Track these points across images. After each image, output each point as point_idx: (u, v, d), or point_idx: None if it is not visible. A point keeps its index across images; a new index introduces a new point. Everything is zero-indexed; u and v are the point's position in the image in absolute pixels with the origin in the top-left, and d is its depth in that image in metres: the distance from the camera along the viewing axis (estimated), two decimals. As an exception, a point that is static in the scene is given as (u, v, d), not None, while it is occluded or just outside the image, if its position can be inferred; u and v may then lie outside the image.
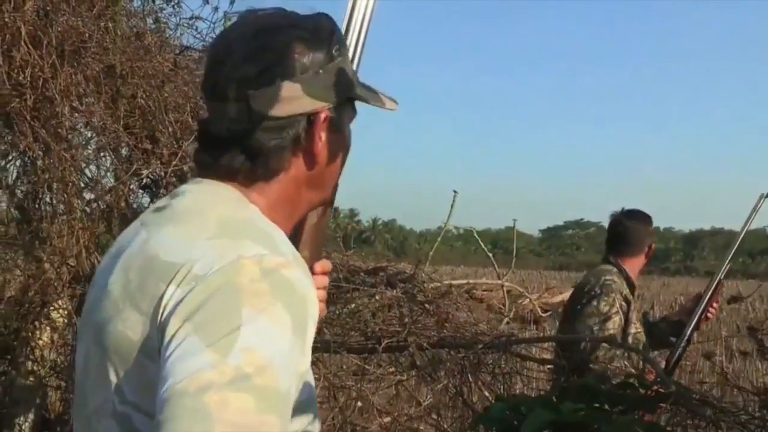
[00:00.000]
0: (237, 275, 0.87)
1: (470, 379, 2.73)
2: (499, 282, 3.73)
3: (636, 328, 3.11)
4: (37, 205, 3.25)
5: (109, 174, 3.16)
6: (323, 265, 1.28)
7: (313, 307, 0.93)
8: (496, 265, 3.79)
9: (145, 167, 2.98)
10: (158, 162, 3.02)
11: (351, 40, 1.30)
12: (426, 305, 2.87)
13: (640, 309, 3.57)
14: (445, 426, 2.53)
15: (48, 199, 3.19)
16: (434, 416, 2.60)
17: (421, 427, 3.00)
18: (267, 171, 1.02)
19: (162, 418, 0.78)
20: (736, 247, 3.01)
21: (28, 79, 2.11)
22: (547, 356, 3.15)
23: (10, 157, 3.25)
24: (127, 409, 0.91)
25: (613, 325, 2.96)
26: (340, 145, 1.08)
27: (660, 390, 2.10)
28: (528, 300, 6.35)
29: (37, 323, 2.95)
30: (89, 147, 2.52)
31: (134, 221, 1.08)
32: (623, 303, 3.06)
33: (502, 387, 2.51)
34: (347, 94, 1.06)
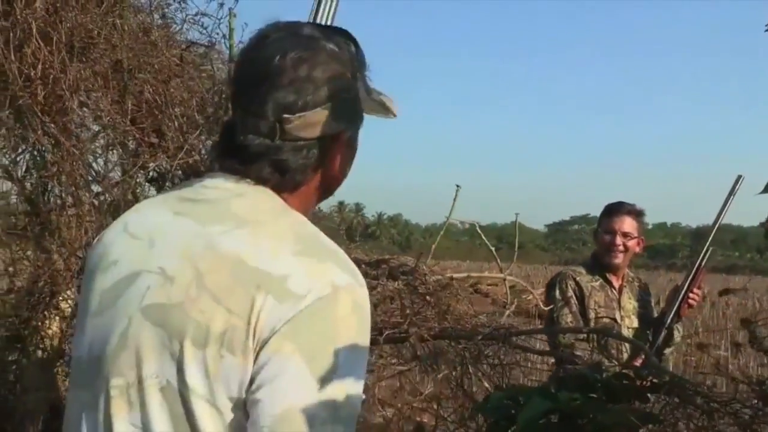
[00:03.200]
0: (336, 308, 1.01)
1: (470, 370, 2.78)
2: (501, 276, 3.77)
3: (596, 311, 3.39)
4: (45, 198, 3.31)
5: (116, 167, 3.22)
6: None
7: (369, 320, 1.08)
8: (498, 260, 3.84)
9: (151, 160, 3.03)
10: (164, 155, 3.07)
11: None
12: (427, 297, 2.91)
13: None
14: (446, 415, 2.58)
15: (56, 192, 3.25)
16: (434, 406, 2.65)
17: (424, 418, 3.06)
18: (293, 184, 1.13)
19: None
20: (714, 231, 3.12)
21: (38, 74, 2.17)
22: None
23: (20, 150, 3.31)
24: (184, 390, 0.99)
25: (569, 310, 3.36)
26: (352, 157, 1.20)
27: (655, 380, 2.14)
28: (531, 295, 6.38)
29: (46, 313, 3.02)
30: (97, 141, 2.56)
31: (152, 207, 1.16)
32: (575, 287, 3.44)
33: (501, 378, 2.56)
34: (363, 113, 1.17)
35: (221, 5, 2.54)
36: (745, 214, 3.08)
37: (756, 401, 1.66)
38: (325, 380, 0.95)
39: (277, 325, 0.97)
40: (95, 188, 2.93)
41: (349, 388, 0.98)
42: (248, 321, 0.97)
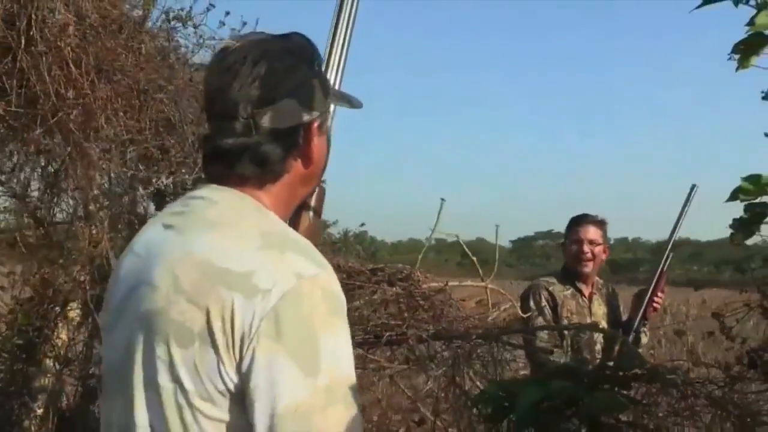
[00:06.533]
0: (306, 300, 1.06)
1: (462, 368, 2.99)
2: (483, 284, 3.97)
3: (568, 319, 3.56)
4: (52, 212, 3.44)
5: (122, 182, 3.36)
6: None
7: (344, 302, 1.13)
8: (480, 270, 4.02)
9: (158, 175, 3.19)
10: (168, 171, 3.23)
11: (336, 48, 1.52)
12: (422, 301, 3.12)
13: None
14: (443, 407, 2.77)
15: (63, 206, 3.39)
16: (431, 401, 2.85)
17: (415, 417, 3.27)
18: (274, 175, 1.20)
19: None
20: (673, 239, 3.34)
21: (69, 95, 2.33)
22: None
23: (13, 166, 3.42)
24: (173, 385, 1.07)
25: (543, 319, 3.50)
26: (326, 144, 1.27)
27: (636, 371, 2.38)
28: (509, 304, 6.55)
29: (57, 322, 3.14)
30: (112, 156, 2.73)
31: (151, 224, 1.26)
32: (549, 297, 3.58)
33: (495, 374, 2.77)
34: (329, 102, 1.27)
35: (233, 30, 2.73)
36: (702, 230, 3.29)
37: (726, 380, 1.90)
38: (313, 371, 1.02)
39: (253, 322, 1.02)
40: (104, 201, 3.07)
41: (337, 370, 1.05)
42: (222, 318, 1.03)
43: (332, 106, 1.36)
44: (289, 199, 1.25)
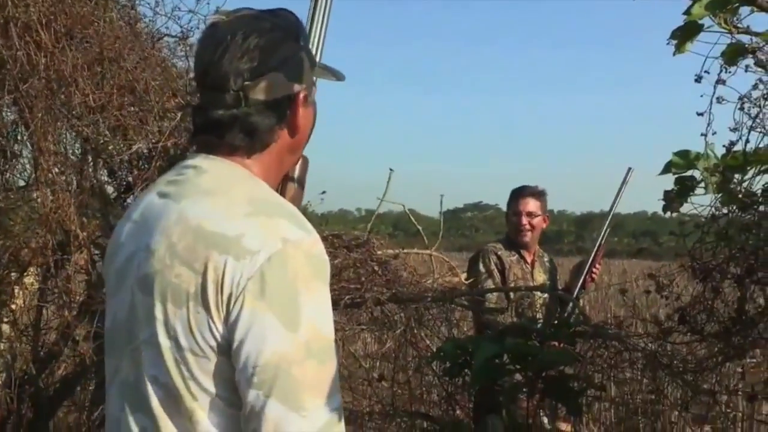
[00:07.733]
0: (290, 262, 1.14)
1: (415, 330, 3.19)
2: (429, 252, 4.16)
3: (514, 283, 3.79)
4: (5, 178, 3.40)
5: (76, 149, 3.36)
6: None
7: (328, 265, 1.22)
8: (425, 239, 4.20)
9: (117, 143, 3.21)
10: (121, 141, 3.25)
11: (317, 22, 1.59)
12: (375, 267, 3.28)
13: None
14: (403, 363, 2.95)
15: (18, 172, 3.36)
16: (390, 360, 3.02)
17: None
18: (262, 145, 1.27)
19: (260, 380, 1.11)
20: (611, 215, 3.62)
21: (23, 58, 2.35)
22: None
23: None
24: (170, 342, 1.17)
25: (493, 281, 3.71)
26: (312, 115, 1.34)
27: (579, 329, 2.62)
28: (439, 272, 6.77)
29: (16, 288, 3.15)
30: (86, 123, 2.75)
31: (147, 193, 1.34)
32: (497, 261, 3.81)
33: (447, 332, 2.96)
34: (314, 75, 1.35)
35: (198, 0, 2.78)
36: (623, 204, 3.58)
37: (658, 334, 2.14)
38: (294, 327, 1.11)
39: (240, 281, 1.11)
40: (69, 168, 3.07)
41: (316, 327, 1.14)
42: (214, 279, 1.12)
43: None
44: (277, 167, 1.33)
